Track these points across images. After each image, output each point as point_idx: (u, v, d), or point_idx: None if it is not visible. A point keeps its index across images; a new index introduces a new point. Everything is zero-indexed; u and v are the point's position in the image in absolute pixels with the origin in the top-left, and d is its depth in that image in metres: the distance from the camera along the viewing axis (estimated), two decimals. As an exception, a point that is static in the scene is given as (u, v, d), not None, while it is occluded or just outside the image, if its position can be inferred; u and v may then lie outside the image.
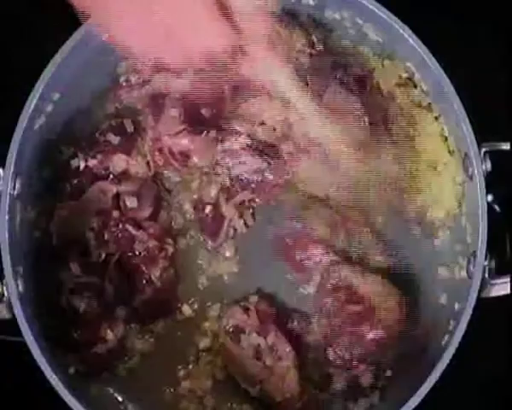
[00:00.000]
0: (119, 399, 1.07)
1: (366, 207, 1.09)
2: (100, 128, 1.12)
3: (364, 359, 1.06)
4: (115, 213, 1.09)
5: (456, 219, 1.11)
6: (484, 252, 1.02)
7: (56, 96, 1.08)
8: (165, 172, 1.12)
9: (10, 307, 1.00)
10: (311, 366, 1.08)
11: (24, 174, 1.05)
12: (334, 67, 1.11)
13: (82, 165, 1.10)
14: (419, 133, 1.12)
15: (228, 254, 1.11)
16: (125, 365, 1.08)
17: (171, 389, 1.07)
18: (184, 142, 1.09)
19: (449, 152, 1.11)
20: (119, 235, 1.08)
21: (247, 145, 1.10)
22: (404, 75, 1.13)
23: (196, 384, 1.07)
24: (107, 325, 1.06)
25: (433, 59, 1.07)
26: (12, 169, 1.03)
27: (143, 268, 1.08)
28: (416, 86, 1.13)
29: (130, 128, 1.11)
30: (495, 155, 1.05)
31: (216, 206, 1.11)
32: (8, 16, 1.23)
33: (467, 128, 1.05)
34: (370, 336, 1.05)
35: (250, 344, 1.06)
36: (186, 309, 1.10)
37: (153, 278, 1.08)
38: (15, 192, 1.04)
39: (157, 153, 1.10)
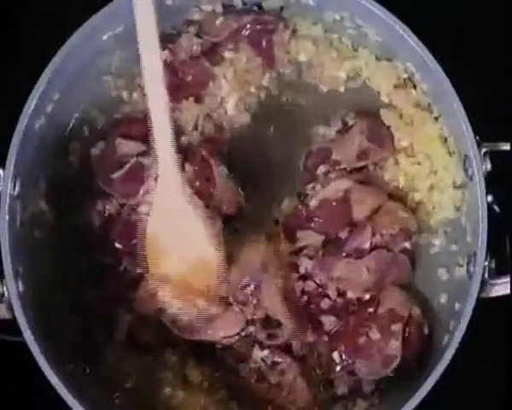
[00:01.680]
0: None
1: None
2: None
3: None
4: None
5: (456, 219, 1.11)
6: (484, 252, 1.02)
7: (56, 96, 1.08)
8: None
9: (10, 307, 1.00)
10: (313, 370, 1.07)
11: (24, 174, 1.05)
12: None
13: None
14: (418, 136, 1.12)
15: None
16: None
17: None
18: None
19: (448, 153, 1.11)
20: None
21: None
22: (404, 76, 1.13)
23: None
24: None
25: (433, 59, 1.06)
26: (12, 169, 1.03)
27: None
28: (415, 87, 1.13)
29: None
30: (495, 155, 1.05)
31: None
32: (8, 16, 1.23)
33: (467, 128, 1.05)
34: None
35: (250, 370, 1.06)
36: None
37: None
38: (15, 192, 1.04)
39: None
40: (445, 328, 1.04)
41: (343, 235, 1.08)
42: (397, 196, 1.12)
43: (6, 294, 1.01)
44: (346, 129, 1.12)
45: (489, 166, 1.05)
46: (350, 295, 1.07)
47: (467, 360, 1.02)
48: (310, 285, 1.07)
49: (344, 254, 1.07)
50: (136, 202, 1.08)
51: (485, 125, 1.06)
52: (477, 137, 1.05)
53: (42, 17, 1.23)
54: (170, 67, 1.12)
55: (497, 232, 1.04)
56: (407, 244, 1.09)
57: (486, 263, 1.02)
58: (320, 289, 1.07)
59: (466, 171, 1.07)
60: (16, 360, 1.08)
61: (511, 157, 1.05)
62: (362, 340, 1.05)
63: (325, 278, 1.06)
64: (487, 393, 1.14)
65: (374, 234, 1.07)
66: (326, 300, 1.07)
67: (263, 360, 1.06)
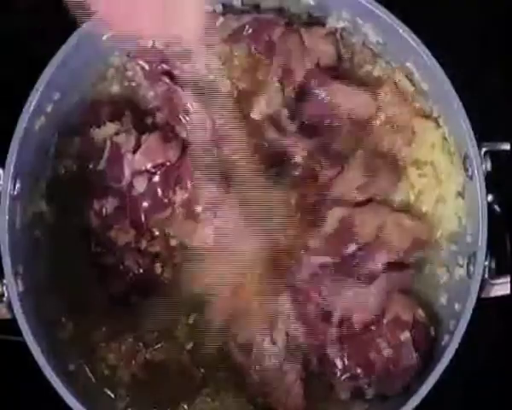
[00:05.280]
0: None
1: None
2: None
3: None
4: None
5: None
6: (484, 252, 1.02)
7: (56, 96, 1.08)
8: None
9: (10, 307, 1.00)
10: (315, 377, 1.07)
11: (24, 174, 1.05)
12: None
13: None
14: (420, 145, 1.11)
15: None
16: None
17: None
18: None
19: (449, 153, 1.11)
20: None
21: None
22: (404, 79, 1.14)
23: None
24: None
25: (433, 59, 1.07)
26: (12, 169, 1.03)
27: None
28: (415, 87, 1.13)
29: None
30: (495, 155, 1.05)
31: None
32: (7, 16, 1.23)
33: (467, 128, 1.05)
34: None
35: (251, 369, 1.05)
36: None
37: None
38: (15, 192, 1.04)
39: None
40: (445, 328, 1.05)
41: (353, 260, 1.06)
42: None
43: (6, 294, 1.01)
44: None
45: (489, 166, 1.05)
46: (354, 320, 1.06)
47: (467, 360, 1.02)
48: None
49: (356, 277, 1.06)
50: (127, 183, 1.07)
51: (485, 126, 1.06)
52: (477, 137, 1.05)
53: (42, 17, 1.23)
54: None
55: (497, 232, 1.05)
56: (420, 254, 1.08)
57: (486, 263, 1.02)
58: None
59: (466, 171, 1.07)
60: (16, 360, 1.08)
61: (511, 157, 1.05)
62: (373, 356, 1.05)
63: (332, 305, 1.06)
64: (487, 393, 1.14)
65: (387, 252, 1.06)
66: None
67: (263, 359, 1.06)
